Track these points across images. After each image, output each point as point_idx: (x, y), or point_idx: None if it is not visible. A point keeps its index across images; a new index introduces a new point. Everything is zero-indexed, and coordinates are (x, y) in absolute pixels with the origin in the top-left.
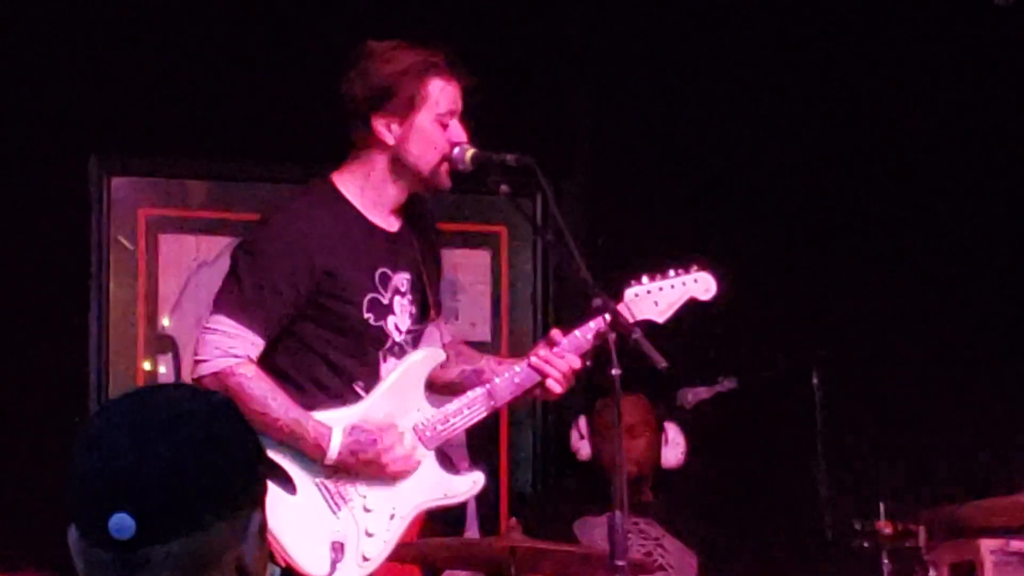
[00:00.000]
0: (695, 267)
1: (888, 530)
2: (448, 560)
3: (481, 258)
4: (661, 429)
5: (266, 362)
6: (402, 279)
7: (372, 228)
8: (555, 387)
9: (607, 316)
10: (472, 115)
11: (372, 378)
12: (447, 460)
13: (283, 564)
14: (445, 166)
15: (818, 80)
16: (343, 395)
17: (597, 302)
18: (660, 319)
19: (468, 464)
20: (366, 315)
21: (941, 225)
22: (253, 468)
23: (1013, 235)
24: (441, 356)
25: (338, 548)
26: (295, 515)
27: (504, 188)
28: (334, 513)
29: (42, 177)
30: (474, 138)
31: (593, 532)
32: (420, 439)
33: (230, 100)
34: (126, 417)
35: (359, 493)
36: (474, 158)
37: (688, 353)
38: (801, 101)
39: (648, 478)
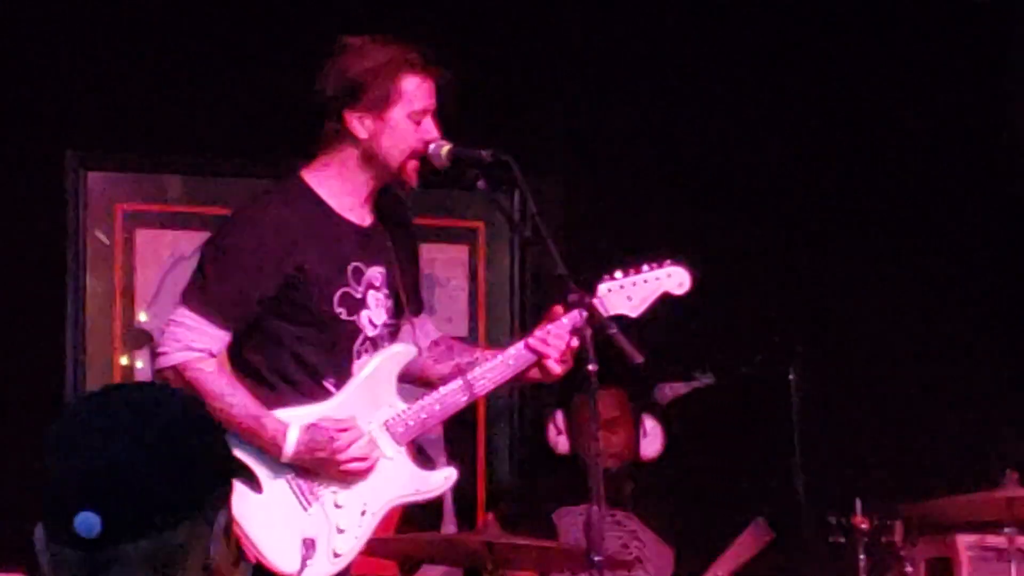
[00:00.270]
0: (668, 262)
1: (865, 525)
2: (425, 555)
3: (458, 253)
4: (639, 422)
5: (237, 358)
6: (376, 273)
7: (343, 222)
8: (555, 367)
9: (583, 311)
10: (450, 112)
11: (344, 374)
12: (424, 455)
13: (254, 561)
14: (414, 163)
15: (796, 75)
16: (313, 392)
17: (573, 297)
18: (634, 314)
19: (446, 459)
20: (337, 309)
21: (919, 221)
22: (219, 467)
23: (989, 229)
24: (413, 352)
25: (309, 544)
26: (266, 512)
27: (481, 184)
28: (305, 509)
29: (18, 171)
30: (452, 134)
31: (572, 522)
32: (392, 435)
33: (207, 95)
34: (92, 416)
35: (330, 490)
36: (451, 154)
37: (665, 349)
38: (779, 97)
39: (626, 471)
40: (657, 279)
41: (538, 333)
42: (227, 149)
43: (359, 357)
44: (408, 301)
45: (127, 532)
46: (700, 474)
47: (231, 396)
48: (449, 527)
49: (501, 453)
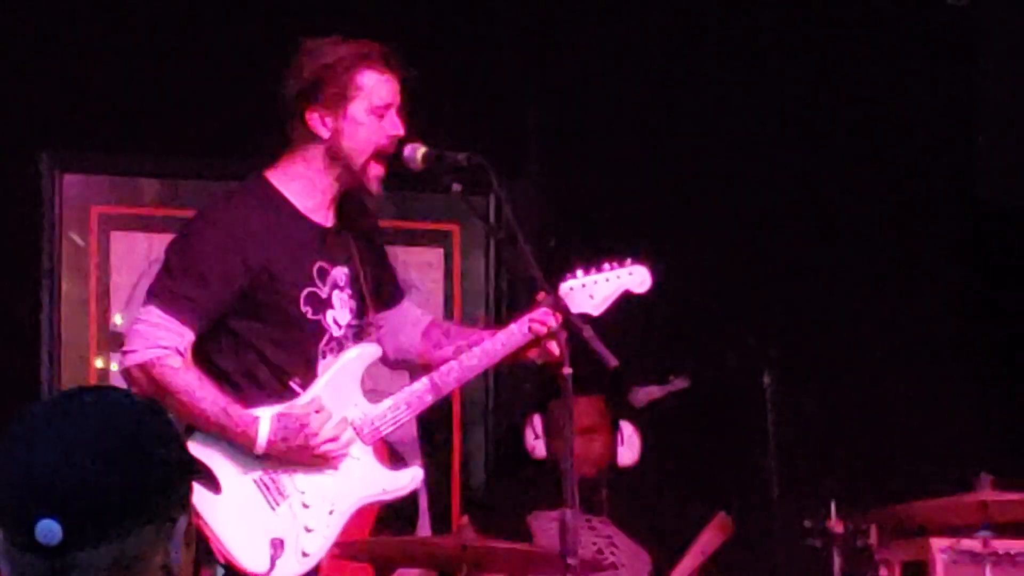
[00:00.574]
0: (629, 260)
1: (839, 529)
2: (400, 558)
3: (433, 256)
4: (617, 429)
5: (205, 361)
6: (340, 273)
7: (307, 223)
8: (555, 347)
9: (558, 314)
10: (424, 113)
11: (309, 374)
12: (399, 457)
13: (224, 561)
14: (378, 169)
15: (770, 79)
16: (279, 392)
17: (548, 299)
18: (595, 312)
19: (421, 461)
20: (303, 309)
21: (892, 225)
22: (179, 472)
23: (961, 232)
24: (378, 352)
25: (277, 544)
26: (234, 512)
27: (456, 187)
28: (272, 509)
29: None
30: (425, 136)
31: (547, 526)
32: (359, 435)
33: (183, 98)
34: (52, 422)
35: (297, 489)
36: (425, 157)
37: (639, 352)
38: (754, 101)
39: (603, 478)
40: (619, 277)
41: (538, 315)
42: (203, 152)
43: (324, 357)
44: (376, 299)
45: (88, 539)
46: (674, 477)
47: (200, 391)
48: (424, 530)
49: (477, 456)
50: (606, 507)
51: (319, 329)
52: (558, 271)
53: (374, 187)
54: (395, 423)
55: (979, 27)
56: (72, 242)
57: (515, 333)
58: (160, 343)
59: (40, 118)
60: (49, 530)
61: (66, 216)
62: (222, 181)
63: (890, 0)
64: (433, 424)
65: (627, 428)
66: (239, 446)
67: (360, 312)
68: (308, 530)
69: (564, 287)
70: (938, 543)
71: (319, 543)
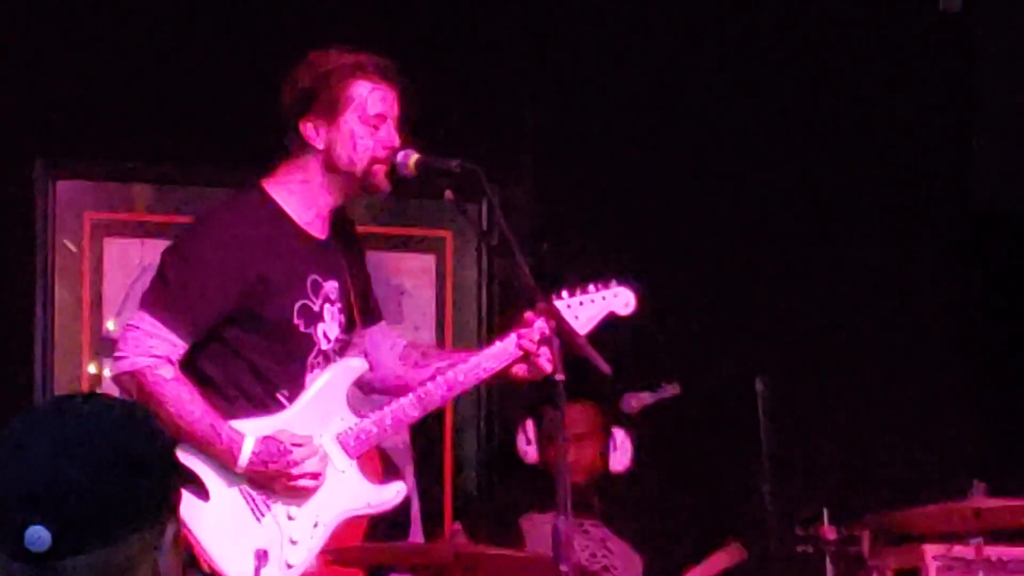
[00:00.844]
0: (614, 282)
1: (832, 536)
2: (392, 564)
3: (426, 262)
4: (609, 436)
5: (192, 367)
6: (332, 287)
7: (303, 235)
8: (546, 365)
9: (552, 321)
10: (418, 121)
11: (297, 387)
12: (391, 464)
13: (208, 570)
14: (381, 168)
15: (766, 87)
16: (266, 404)
17: (541, 306)
18: (580, 332)
19: (413, 467)
20: (296, 321)
21: (888, 232)
22: (168, 479)
23: (959, 241)
24: (364, 366)
25: (262, 555)
26: (219, 522)
27: (449, 194)
28: (258, 520)
29: None
30: (419, 144)
31: (540, 529)
32: (344, 448)
33: (176, 104)
34: (42, 429)
35: (282, 501)
36: (418, 164)
37: (631, 359)
38: (750, 107)
39: (596, 484)
40: (604, 299)
41: (524, 331)
42: (196, 158)
43: (311, 370)
44: (359, 314)
45: (77, 546)
46: (667, 484)
47: (189, 404)
48: (416, 536)
49: (469, 462)
50: (599, 512)
51: (309, 342)
52: (552, 275)
53: (383, 184)
54: (380, 438)
55: (975, 34)
56: (65, 248)
57: (504, 349)
58: (152, 351)
59: (33, 125)
60: (38, 537)
61: (59, 222)
62: (215, 187)
63: (887, 7)
64: (426, 430)
65: (619, 434)
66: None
67: (348, 327)
68: (293, 542)
69: None
70: (931, 550)
71: (303, 555)
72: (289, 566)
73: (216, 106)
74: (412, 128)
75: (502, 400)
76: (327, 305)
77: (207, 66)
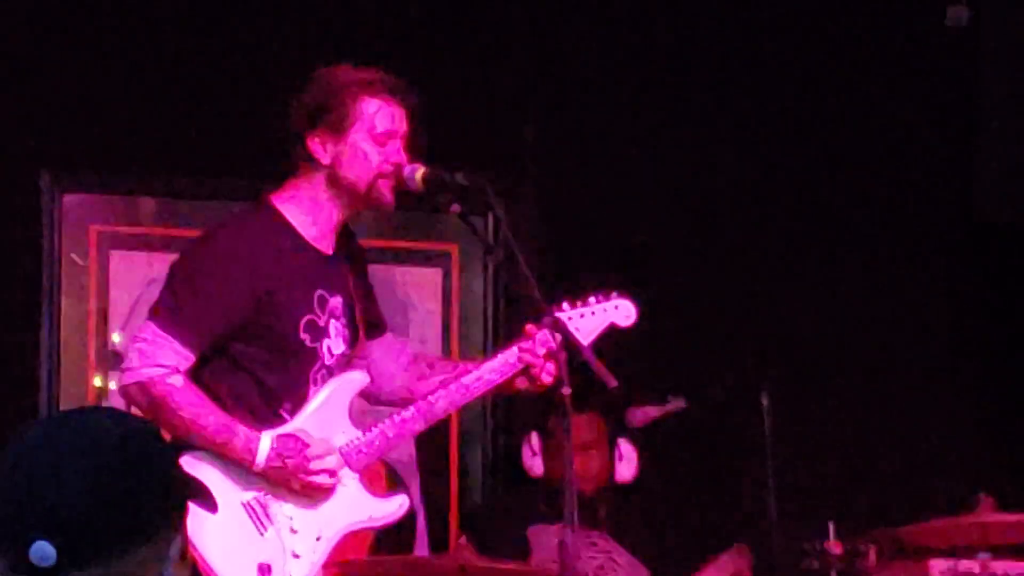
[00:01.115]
0: (615, 294)
1: (837, 550)
2: None
3: (432, 276)
4: (614, 446)
5: (196, 382)
6: (337, 302)
7: (310, 249)
8: (546, 378)
9: (558, 334)
10: (423, 133)
11: (299, 401)
12: (396, 477)
13: None
14: (386, 184)
15: (769, 100)
16: (269, 418)
17: (547, 320)
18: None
19: (418, 480)
20: (302, 336)
21: (892, 245)
22: (173, 493)
23: (963, 254)
24: (366, 380)
25: (265, 569)
26: (223, 536)
27: (455, 207)
28: (261, 534)
29: None
30: (425, 156)
31: (547, 540)
32: (347, 462)
33: (183, 117)
34: (46, 444)
35: (285, 514)
36: (424, 177)
37: (637, 372)
38: (754, 122)
39: (602, 495)
40: (605, 311)
41: (526, 345)
42: (202, 171)
43: (314, 385)
44: (364, 327)
45: (82, 560)
46: (673, 497)
47: (203, 408)
48: (422, 549)
49: (474, 475)
50: (605, 523)
51: (314, 357)
52: (558, 289)
53: (387, 200)
54: (383, 451)
55: (979, 47)
56: (71, 261)
57: (505, 362)
58: (160, 362)
59: (40, 138)
60: (43, 552)
61: (65, 235)
62: (221, 200)
63: (892, 19)
64: (431, 442)
65: (624, 444)
66: (234, 467)
67: (352, 342)
68: (295, 556)
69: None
70: (936, 565)
71: (305, 569)
72: None
73: (223, 120)
74: (418, 142)
75: (507, 413)
76: (332, 320)
77: (214, 79)
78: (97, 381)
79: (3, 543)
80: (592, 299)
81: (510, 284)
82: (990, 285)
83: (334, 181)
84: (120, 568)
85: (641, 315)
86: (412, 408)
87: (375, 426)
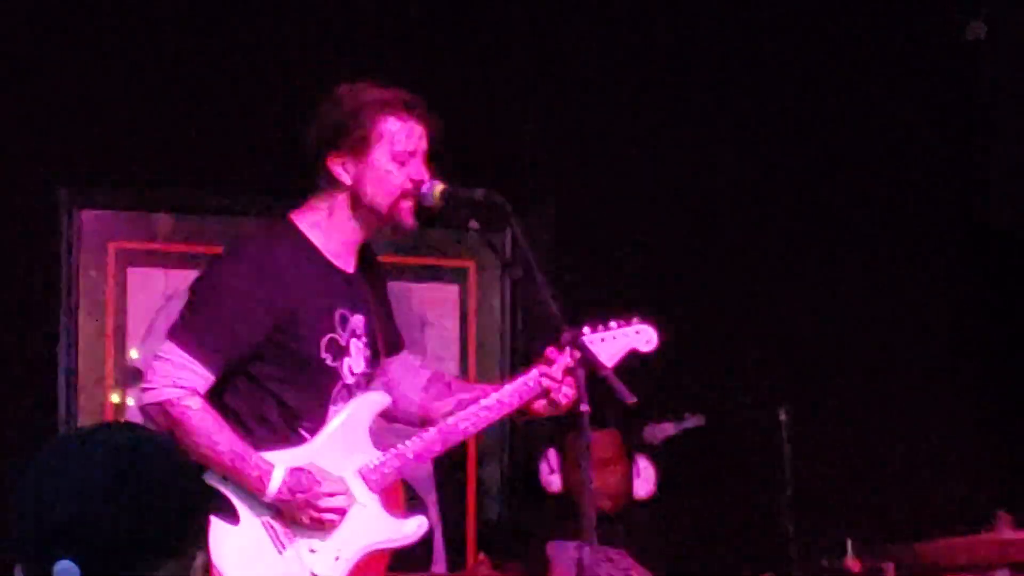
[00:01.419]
0: (635, 319)
1: (856, 568)
2: None
3: (449, 293)
4: (632, 462)
5: (216, 400)
6: (358, 321)
7: (332, 268)
8: (564, 400)
9: (576, 352)
10: (441, 149)
11: (319, 420)
12: (414, 494)
13: None
14: (407, 204)
15: (777, 110)
16: (288, 437)
17: (566, 337)
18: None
19: (436, 497)
20: (324, 355)
21: (909, 263)
22: (195, 509)
23: (980, 267)
24: (386, 400)
25: None
26: (243, 555)
27: (473, 224)
28: (280, 553)
29: (11, 209)
30: (442, 173)
31: (566, 556)
32: (366, 482)
33: (201, 134)
34: (68, 462)
35: (304, 534)
36: (443, 194)
37: (655, 390)
38: (769, 134)
39: (620, 512)
40: (625, 335)
41: (543, 368)
42: (220, 188)
43: (335, 403)
44: (383, 344)
45: None
46: (692, 515)
47: (218, 434)
48: (439, 566)
49: (492, 492)
50: (623, 540)
51: (335, 376)
52: (575, 306)
53: (408, 222)
54: (402, 472)
55: (982, 51)
56: (89, 277)
57: (524, 384)
58: (179, 383)
59: (57, 155)
60: (67, 571)
61: (83, 252)
62: (238, 217)
63: (903, 28)
64: (448, 460)
65: (642, 460)
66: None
67: (373, 361)
68: (314, 575)
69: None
70: None
71: None
72: None
73: (241, 136)
74: (434, 159)
75: (525, 430)
76: (353, 340)
77: (231, 96)
78: (115, 397)
79: (28, 562)
80: (613, 324)
81: (528, 300)
82: (1011, 300)
83: (356, 201)
84: None
85: (650, 352)
86: (432, 430)
87: (395, 446)
